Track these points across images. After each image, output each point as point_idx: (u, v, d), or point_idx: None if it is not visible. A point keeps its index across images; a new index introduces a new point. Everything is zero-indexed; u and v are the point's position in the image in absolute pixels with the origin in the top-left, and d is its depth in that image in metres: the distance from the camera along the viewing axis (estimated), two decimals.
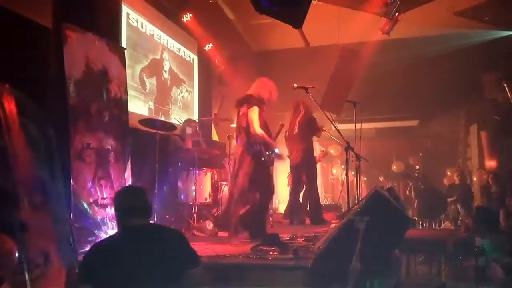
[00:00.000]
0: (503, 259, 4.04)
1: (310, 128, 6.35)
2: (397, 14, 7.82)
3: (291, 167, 6.50)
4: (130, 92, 5.62)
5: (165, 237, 2.58)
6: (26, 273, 2.91)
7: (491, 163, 9.89)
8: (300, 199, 6.57)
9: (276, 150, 4.91)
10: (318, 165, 8.45)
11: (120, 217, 2.57)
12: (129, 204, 2.54)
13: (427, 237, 5.40)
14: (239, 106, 4.82)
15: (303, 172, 6.33)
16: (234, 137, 5.03)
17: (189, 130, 6.20)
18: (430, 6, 7.72)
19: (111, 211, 4.29)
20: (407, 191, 10.92)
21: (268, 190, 4.83)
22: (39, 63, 4.02)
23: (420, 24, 8.64)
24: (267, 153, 4.69)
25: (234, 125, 7.33)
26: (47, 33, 4.18)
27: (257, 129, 4.58)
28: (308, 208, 6.36)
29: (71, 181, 3.84)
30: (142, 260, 2.40)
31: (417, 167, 11.27)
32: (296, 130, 6.30)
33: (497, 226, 4.87)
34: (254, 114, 4.63)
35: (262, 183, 4.72)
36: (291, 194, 6.46)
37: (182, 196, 5.74)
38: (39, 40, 4.10)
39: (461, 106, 10.81)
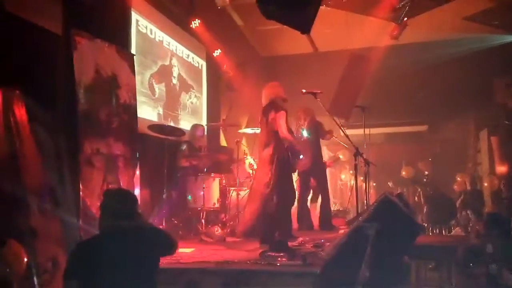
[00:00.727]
0: None
1: (317, 133, 6.33)
2: (405, 19, 7.79)
3: (299, 173, 6.47)
4: (140, 98, 5.64)
5: (144, 235, 2.72)
6: (35, 278, 2.92)
7: (501, 169, 9.77)
8: (308, 204, 6.54)
9: (301, 156, 5.01)
10: (327, 171, 8.42)
11: (105, 218, 2.67)
12: (113, 206, 2.65)
13: (437, 244, 5.33)
14: (267, 112, 4.87)
15: (313, 178, 6.31)
16: (260, 143, 5.07)
17: (197, 134, 6.23)
18: (438, 11, 7.68)
19: None
20: (416, 197, 10.82)
21: (289, 196, 4.86)
22: (49, 69, 4.05)
23: (428, 29, 8.59)
24: (295, 159, 4.81)
25: (243, 130, 7.37)
26: (57, 40, 4.21)
27: (286, 132, 4.75)
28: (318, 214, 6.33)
29: (80, 187, 3.85)
30: (124, 258, 2.53)
31: (426, 172, 11.17)
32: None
33: (509, 233, 4.79)
34: (282, 118, 4.80)
35: (283, 189, 4.77)
36: (299, 199, 6.43)
37: (190, 201, 5.73)
38: (49, 47, 4.13)
39: (471, 111, 10.71)
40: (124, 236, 2.60)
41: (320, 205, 6.33)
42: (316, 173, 6.29)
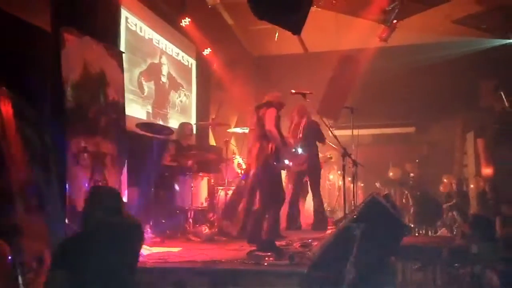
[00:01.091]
0: (498, 267, 4.03)
1: (314, 135, 6.31)
2: (395, 21, 7.85)
3: (295, 172, 6.40)
4: (128, 95, 5.61)
5: (127, 229, 2.78)
6: (19, 277, 2.89)
7: (487, 171, 9.89)
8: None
9: (286, 162, 4.99)
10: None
11: (90, 213, 2.71)
12: (99, 202, 2.71)
13: (423, 244, 5.38)
14: (259, 109, 4.92)
15: (308, 178, 6.30)
16: (249, 141, 5.14)
17: (185, 133, 6.21)
18: (428, 13, 7.75)
19: None
20: (404, 198, 10.91)
21: (276, 195, 4.86)
22: (36, 66, 4.01)
23: (418, 31, 8.68)
24: (280, 160, 4.80)
25: (233, 130, 7.36)
26: (45, 36, 4.17)
27: (271, 125, 4.73)
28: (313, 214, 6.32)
29: (67, 185, 3.82)
30: (109, 252, 2.58)
31: (412, 174, 11.28)
32: (300, 135, 6.25)
33: (493, 234, 4.86)
34: (271, 113, 4.83)
35: (270, 188, 4.77)
36: (291, 199, 6.39)
37: (178, 200, 5.72)
38: (37, 43, 4.09)
39: (458, 113, 10.83)
40: (108, 231, 2.63)
41: (314, 206, 6.31)
42: (312, 173, 6.28)
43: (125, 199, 4.63)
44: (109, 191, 2.95)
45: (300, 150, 5.37)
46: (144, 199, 5.17)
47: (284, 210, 6.69)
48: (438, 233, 8.39)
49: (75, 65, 4.13)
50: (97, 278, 2.50)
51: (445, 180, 10.85)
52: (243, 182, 5.52)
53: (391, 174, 11.99)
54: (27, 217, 3.15)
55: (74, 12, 4.42)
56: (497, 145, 9.50)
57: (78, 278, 2.48)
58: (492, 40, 9.08)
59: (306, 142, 6.20)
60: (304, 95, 5.16)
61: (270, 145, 4.77)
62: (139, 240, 2.89)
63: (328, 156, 9.81)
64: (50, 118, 3.93)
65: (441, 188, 10.75)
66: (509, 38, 8.58)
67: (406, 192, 10.51)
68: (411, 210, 9.40)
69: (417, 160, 11.95)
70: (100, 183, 4.22)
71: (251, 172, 4.98)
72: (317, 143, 6.43)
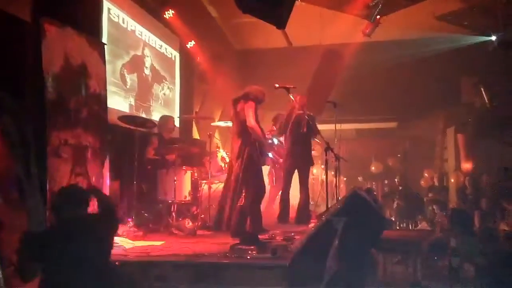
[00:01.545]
0: (475, 259, 4.14)
1: (312, 128, 6.08)
2: (378, 17, 7.92)
3: (285, 166, 6.37)
4: (111, 88, 5.55)
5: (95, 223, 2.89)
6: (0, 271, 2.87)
7: (467, 166, 10.11)
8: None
9: (270, 155, 4.97)
10: None
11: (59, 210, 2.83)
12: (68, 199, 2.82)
13: (404, 237, 5.48)
14: (236, 103, 4.89)
15: (298, 173, 6.27)
16: (232, 135, 5.09)
17: (168, 126, 6.18)
18: (411, 9, 7.84)
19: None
20: (386, 192, 11.07)
21: (258, 190, 4.87)
22: (16, 57, 3.94)
23: (401, 27, 8.76)
24: (263, 155, 4.80)
25: (216, 123, 7.35)
26: (26, 27, 4.10)
27: (252, 121, 4.71)
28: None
29: (48, 178, 3.78)
30: (82, 245, 2.67)
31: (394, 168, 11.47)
32: (304, 129, 6.11)
33: (471, 228, 4.99)
34: (250, 108, 4.79)
35: (252, 183, 4.78)
36: (283, 193, 6.31)
37: (161, 194, 5.70)
38: (17, 34, 4.01)
39: (439, 109, 11.02)
40: (73, 224, 2.74)
41: (301, 200, 6.29)
42: (302, 168, 6.23)
43: (107, 192, 4.60)
44: (75, 187, 3.11)
45: (276, 141, 5.29)
46: (126, 192, 5.14)
47: (270, 204, 6.73)
48: (419, 227, 8.55)
49: (56, 56, 4.07)
50: (69, 270, 2.58)
51: (426, 175, 11.05)
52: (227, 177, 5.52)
53: (373, 168, 12.16)
54: (8, 211, 3.12)
55: (55, 2, 4.34)
56: (477, 141, 9.71)
57: (48, 270, 2.58)
58: (473, 37, 9.24)
59: (304, 136, 6.08)
60: (287, 89, 5.19)
61: (251, 140, 4.78)
62: (111, 228, 3.00)
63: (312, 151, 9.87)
64: (30, 109, 3.88)
65: (422, 183, 10.95)
66: (489, 35, 8.73)
67: (387, 184, 10.68)
68: (394, 204, 9.54)
69: (399, 155, 12.14)
70: (81, 176, 4.19)
71: (234, 168, 4.97)
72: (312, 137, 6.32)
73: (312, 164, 6.52)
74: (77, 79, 4.34)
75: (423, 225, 8.43)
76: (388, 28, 8.23)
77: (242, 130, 4.83)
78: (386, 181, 11.65)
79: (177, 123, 7.26)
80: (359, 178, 11.70)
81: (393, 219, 9.01)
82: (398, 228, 8.73)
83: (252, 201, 4.83)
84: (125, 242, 4.29)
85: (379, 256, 4.68)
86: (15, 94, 3.63)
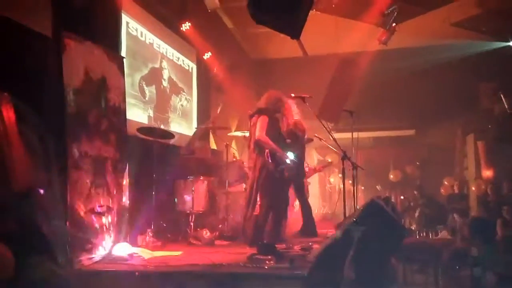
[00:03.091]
0: (497, 269, 4.04)
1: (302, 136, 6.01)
2: (394, 24, 7.88)
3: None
4: (130, 100, 5.63)
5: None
6: None
7: (488, 173, 9.91)
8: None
9: (288, 161, 4.92)
10: (316, 174, 8.44)
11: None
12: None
13: (424, 246, 5.40)
14: (251, 117, 5.06)
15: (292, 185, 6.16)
16: (248, 145, 5.23)
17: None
18: (427, 17, 7.80)
19: (108, 219, 4.29)
20: (405, 201, 10.92)
21: (272, 200, 4.87)
22: (38, 71, 4.03)
23: (417, 34, 8.71)
24: (279, 166, 4.79)
25: (233, 133, 7.38)
26: (47, 42, 4.20)
27: (259, 134, 4.80)
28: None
29: (68, 189, 3.84)
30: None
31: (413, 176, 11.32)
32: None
33: (493, 236, 4.88)
34: (260, 122, 4.88)
35: (266, 193, 4.80)
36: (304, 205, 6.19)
37: (179, 204, 5.73)
38: (39, 49, 4.11)
39: (458, 115, 10.85)
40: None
41: (302, 213, 6.12)
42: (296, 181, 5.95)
43: (127, 203, 4.66)
44: None
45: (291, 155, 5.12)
46: (145, 203, 5.18)
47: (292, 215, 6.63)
48: (439, 236, 8.39)
49: (76, 70, 4.15)
50: None
51: (446, 183, 10.86)
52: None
53: (391, 176, 12.02)
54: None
55: (75, 17, 4.44)
56: (497, 147, 9.52)
57: None
58: (491, 42, 9.12)
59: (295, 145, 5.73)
60: (303, 98, 5.19)
61: (265, 151, 4.85)
62: None
63: (328, 160, 9.84)
64: (51, 122, 3.95)
65: (442, 191, 10.76)
66: (508, 41, 8.60)
67: (407, 195, 10.53)
68: (416, 213, 9.39)
69: (417, 163, 11.98)
70: (101, 188, 4.24)
71: (250, 178, 5.06)
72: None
73: (304, 174, 6.39)
74: (97, 92, 4.41)
75: (443, 234, 8.27)
76: (404, 36, 8.18)
77: (256, 143, 4.92)
78: (405, 190, 11.50)
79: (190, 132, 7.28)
80: (377, 186, 11.58)
81: (413, 228, 8.86)
82: (418, 237, 8.58)
83: (266, 211, 4.83)
84: (145, 253, 4.32)
85: (399, 265, 4.61)
86: (36, 107, 3.70)
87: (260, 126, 4.83)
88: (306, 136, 6.02)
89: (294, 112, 5.52)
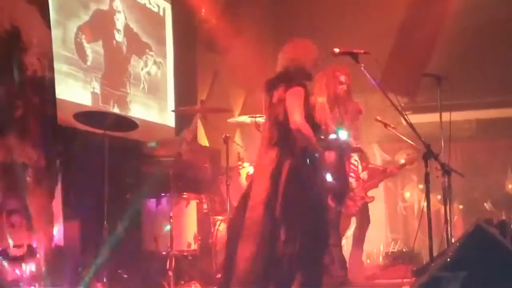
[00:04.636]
0: None
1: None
2: None
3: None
4: (61, 66, 5.67)
5: None
6: None
7: None
8: None
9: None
10: (381, 185, 8.43)
11: None
12: None
13: None
14: (271, 88, 4.82)
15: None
16: (262, 141, 5.04)
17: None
18: None
19: (30, 267, 4.33)
20: None
21: (320, 229, 4.85)
22: None
23: None
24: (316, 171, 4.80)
25: (236, 119, 7.39)
26: None
27: (298, 120, 4.57)
28: None
29: None
30: None
31: None
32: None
33: None
34: (295, 98, 4.64)
35: (302, 220, 4.74)
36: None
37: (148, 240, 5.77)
38: None
39: None
40: None
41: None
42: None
43: (61, 240, 4.69)
44: None
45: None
46: (90, 239, 5.21)
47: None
48: None
49: None
50: None
51: None
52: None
53: (510, 186, 11.96)
54: None
55: None
56: None
57: None
58: None
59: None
60: (355, 56, 5.15)
61: (297, 151, 4.72)
62: None
63: (401, 161, 9.82)
64: None
65: None
66: None
67: None
68: None
69: None
70: (17, 214, 4.28)
71: (266, 194, 4.84)
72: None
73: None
74: (5, 54, 4.45)
75: None
76: None
77: (280, 132, 4.77)
78: None
79: (171, 120, 7.35)
80: (485, 204, 11.54)
81: None
82: None
83: (299, 249, 4.79)
84: None
85: None
86: None
87: (296, 106, 4.69)
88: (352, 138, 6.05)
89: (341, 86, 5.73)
